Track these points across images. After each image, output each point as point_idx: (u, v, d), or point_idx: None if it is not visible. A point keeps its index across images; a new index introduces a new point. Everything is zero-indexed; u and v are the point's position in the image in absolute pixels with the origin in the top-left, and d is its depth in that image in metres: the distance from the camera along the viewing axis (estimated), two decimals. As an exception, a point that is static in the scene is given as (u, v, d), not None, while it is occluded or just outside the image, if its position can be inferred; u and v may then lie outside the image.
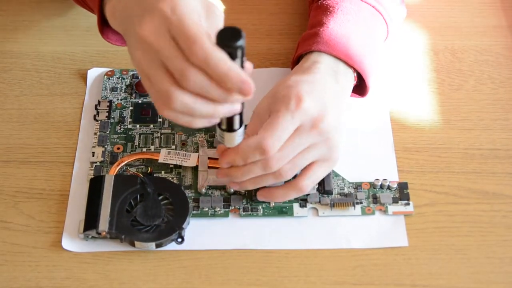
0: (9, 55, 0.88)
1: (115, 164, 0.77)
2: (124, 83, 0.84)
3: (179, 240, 0.71)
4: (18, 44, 0.89)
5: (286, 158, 0.70)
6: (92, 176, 0.76)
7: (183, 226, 0.72)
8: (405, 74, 0.86)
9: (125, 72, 0.85)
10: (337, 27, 0.78)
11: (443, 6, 0.93)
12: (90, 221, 0.72)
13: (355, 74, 0.78)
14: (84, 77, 0.85)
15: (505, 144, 0.80)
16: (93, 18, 0.89)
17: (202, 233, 0.73)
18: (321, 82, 0.74)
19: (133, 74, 0.85)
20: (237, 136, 0.69)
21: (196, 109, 0.63)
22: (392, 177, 0.77)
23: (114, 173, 0.76)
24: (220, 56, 0.60)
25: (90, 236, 0.72)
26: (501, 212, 0.75)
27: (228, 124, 0.68)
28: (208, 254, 0.72)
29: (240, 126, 0.68)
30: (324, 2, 0.81)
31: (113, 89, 0.84)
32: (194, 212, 0.74)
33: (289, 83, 0.72)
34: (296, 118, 0.69)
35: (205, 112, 0.63)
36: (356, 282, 0.70)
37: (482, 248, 0.72)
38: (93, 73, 0.85)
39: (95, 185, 0.74)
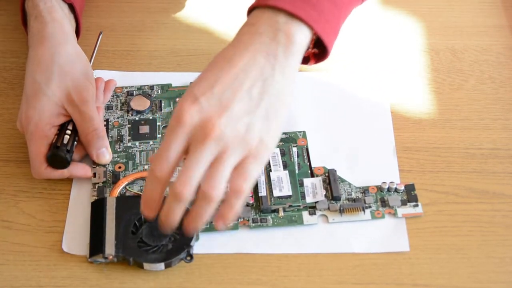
0: (10, 54, 0.88)
1: (115, 186, 0.75)
2: (119, 100, 0.82)
3: (188, 258, 0.70)
4: (18, 44, 0.89)
5: (191, 179, 0.62)
6: (95, 191, 0.75)
7: (191, 243, 0.70)
8: (406, 74, 0.86)
9: (119, 90, 0.83)
10: None
11: (443, 5, 0.93)
12: (96, 246, 0.70)
13: (311, 33, 0.68)
14: (84, 77, 0.85)
15: (506, 143, 0.80)
16: (93, 19, 0.90)
17: (204, 238, 0.73)
18: (238, 61, 0.65)
19: (127, 92, 0.83)
20: None
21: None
22: (393, 177, 0.76)
23: (115, 195, 0.74)
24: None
25: (98, 261, 0.70)
26: (502, 211, 0.75)
27: None
28: (208, 254, 0.72)
29: None
30: None
31: (109, 108, 0.82)
32: (204, 226, 0.72)
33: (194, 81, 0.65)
34: (180, 134, 0.63)
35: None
36: (356, 282, 0.70)
37: (483, 247, 0.72)
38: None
39: (97, 208, 0.73)
